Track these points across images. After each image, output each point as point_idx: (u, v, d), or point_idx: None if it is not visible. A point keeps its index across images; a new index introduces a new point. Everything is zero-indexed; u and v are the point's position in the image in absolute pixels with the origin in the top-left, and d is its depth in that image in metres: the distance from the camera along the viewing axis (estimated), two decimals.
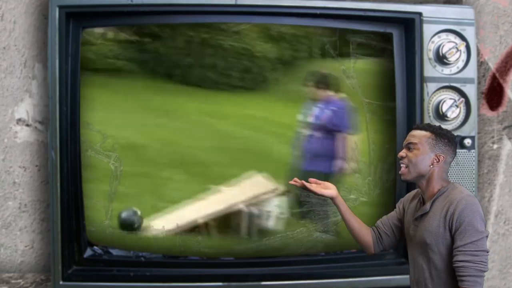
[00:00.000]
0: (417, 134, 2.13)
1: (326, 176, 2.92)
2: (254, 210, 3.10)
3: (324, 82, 3.08)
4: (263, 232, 3.09)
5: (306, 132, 3.11)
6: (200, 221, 3.07)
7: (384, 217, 2.31)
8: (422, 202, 2.16)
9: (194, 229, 3.06)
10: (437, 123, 2.88)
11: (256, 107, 3.22)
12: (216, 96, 3.10)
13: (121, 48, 3.04)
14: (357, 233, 2.28)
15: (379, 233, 2.27)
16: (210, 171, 3.14)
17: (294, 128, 3.16)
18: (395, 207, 2.31)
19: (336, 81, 3.07)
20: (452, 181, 2.16)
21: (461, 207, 2.00)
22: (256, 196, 3.12)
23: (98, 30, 2.99)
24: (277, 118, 3.25)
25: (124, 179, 2.91)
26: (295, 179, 2.23)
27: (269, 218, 3.11)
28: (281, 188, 3.13)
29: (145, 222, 3.01)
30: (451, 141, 2.12)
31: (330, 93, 3.10)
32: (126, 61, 3.03)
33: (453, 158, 2.15)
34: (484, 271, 1.99)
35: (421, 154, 2.10)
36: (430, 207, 2.09)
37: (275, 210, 3.11)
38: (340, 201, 2.25)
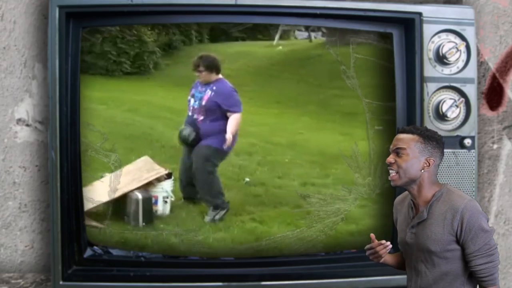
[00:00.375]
0: (405, 138, 2.08)
1: (216, 150, 3.11)
2: (146, 194, 3.05)
3: (214, 65, 3.13)
4: (160, 219, 3.07)
5: (197, 115, 3.14)
6: (90, 208, 3.00)
7: None
8: (414, 208, 2.13)
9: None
10: (437, 123, 2.89)
11: (145, 93, 3.21)
12: (107, 83, 3.08)
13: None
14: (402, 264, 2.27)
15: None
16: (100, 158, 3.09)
17: (182, 112, 3.19)
18: (393, 215, 2.29)
19: (219, 63, 3.14)
20: (442, 183, 2.14)
21: (468, 215, 2.00)
22: (144, 180, 3.07)
23: None
24: (165, 102, 3.26)
25: None
26: (372, 236, 2.18)
27: (165, 203, 3.09)
28: (166, 171, 3.10)
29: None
30: (439, 143, 2.10)
31: (217, 76, 3.14)
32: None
33: (441, 160, 2.12)
34: (499, 264, 2.05)
35: (411, 159, 2.06)
36: (428, 214, 2.07)
37: (168, 194, 3.09)
38: (388, 259, 2.23)
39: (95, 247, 2.93)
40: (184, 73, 3.22)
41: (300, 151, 3.20)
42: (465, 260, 2.04)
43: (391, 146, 2.12)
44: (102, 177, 3.01)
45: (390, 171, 2.09)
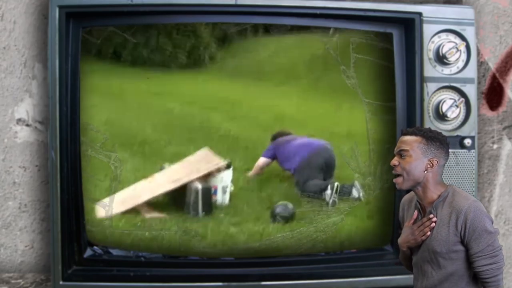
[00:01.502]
0: (408, 140, 2.10)
1: None
2: (205, 185, 3.08)
3: None
4: (219, 208, 3.09)
5: None
6: (150, 199, 3.04)
7: None
8: (421, 209, 2.15)
9: (144, 208, 3.03)
10: (437, 123, 2.89)
11: (201, 85, 3.23)
12: (163, 76, 3.11)
13: None
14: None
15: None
16: (160, 149, 3.13)
17: (237, 103, 3.23)
18: (399, 213, 2.29)
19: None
20: (448, 184, 2.15)
21: (471, 215, 2.01)
22: (203, 171, 3.09)
23: None
24: (221, 94, 3.26)
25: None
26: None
27: (225, 193, 3.10)
28: (225, 162, 3.12)
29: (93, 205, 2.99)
30: (443, 144, 2.10)
31: None
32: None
33: (446, 160, 2.13)
34: (503, 266, 2.05)
35: (414, 160, 2.07)
36: (434, 215, 2.09)
37: (227, 185, 3.11)
38: (408, 253, 2.22)
39: (95, 247, 2.93)
40: (239, 65, 3.22)
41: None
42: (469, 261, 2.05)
43: (395, 149, 2.14)
44: (161, 169, 3.07)
45: (394, 173, 2.12)
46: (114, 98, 3.09)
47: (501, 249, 2.04)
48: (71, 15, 2.75)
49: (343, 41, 2.99)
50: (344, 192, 3.06)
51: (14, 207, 3.09)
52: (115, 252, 2.96)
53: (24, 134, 3.06)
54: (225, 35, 3.14)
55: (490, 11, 3.12)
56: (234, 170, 3.14)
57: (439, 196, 2.10)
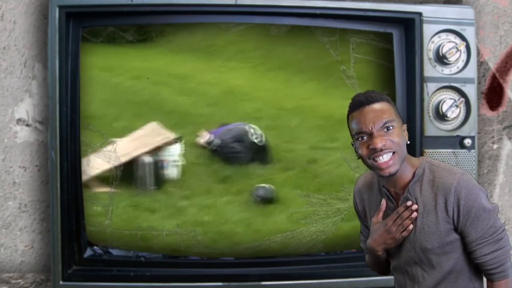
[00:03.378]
0: (383, 108, 1.64)
1: None
2: (155, 159, 3.05)
3: None
4: (169, 182, 3.06)
5: None
6: (99, 174, 2.99)
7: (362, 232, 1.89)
8: (390, 195, 1.71)
9: (93, 183, 2.99)
10: (437, 123, 2.89)
11: (149, 59, 3.19)
12: (111, 50, 3.06)
13: None
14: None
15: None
16: (108, 124, 3.08)
17: (187, 78, 3.18)
18: (354, 205, 1.87)
19: None
20: (417, 157, 1.72)
21: (464, 193, 1.62)
22: (152, 145, 3.07)
23: None
24: (170, 69, 3.23)
25: None
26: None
27: (174, 167, 3.09)
28: (174, 136, 3.10)
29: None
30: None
31: None
32: None
33: None
34: (510, 250, 1.66)
35: (400, 129, 1.66)
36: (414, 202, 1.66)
37: (177, 158, 3.08)
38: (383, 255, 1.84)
39: (95, 247, 2.93)
40: (188, 39, 3.18)
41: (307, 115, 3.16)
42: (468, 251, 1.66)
43: (369, 125, 1.62)
44: (111, 142, 3.00)
45: (385, 156, 1.64)
46: None
47: (504, 229, 1.66)
48: (71, 15, 2.75)
49: (343, 41, 2.99)
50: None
51: (14, 207, 3.09)
52: (115, 252, 2.95)
53: (24, 134, 3.06)
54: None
55: (490, 11, 3.12)
56: (183, 144, 3.11)
57: (414, 175, 1.66)
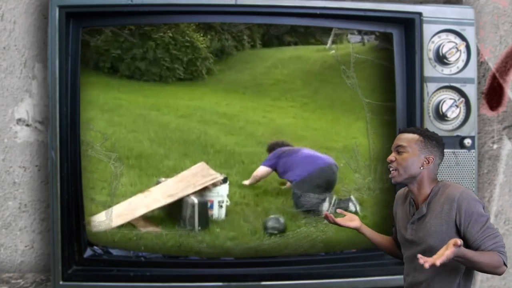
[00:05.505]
0: (406, 137, 2.17)
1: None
2: (201, 199, 3.07)
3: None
4: (215, 223, 3.08)
5: None
6: (146, 213, 3.05)
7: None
8: (415, 205, 2.19)
9: (140, 222, 3.04)
10: (437, 123, 2.89)
11: (198, 98, 3.23)
12: (160, 89, 3.11)
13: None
14: (387, 249, 2.38)
15: (396, 241, 2.32)
16: (156, 163, 3.13)
17: (234, 117, 3.22)
18: (393, 208, 2.33)
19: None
20: (440, 180, 2.19)
21: (465, 202, 2.04)
22: (199, 185, 3.09)
23: None
24: (218, 108, 3.27)
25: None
26: (326, 213, 2.33)
27: (221, 207, 3.10)
28: (221, 176, 3.12)
29: (90, 218, 2.99)
30: (439, 143, 2.17)
31: None
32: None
33: (441, 160, 2.19)
34: (504, 247, 2.05)
35: (411, 156, 2.14)
36: (427, 209, 2.12)
37: (224, 199, 3.10)
38: (364, 229, 2.36)
39: (95, 247, 2.93)
40: (236, 78, 3.23)
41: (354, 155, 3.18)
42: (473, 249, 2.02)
43: (392, 145, 2.19)
44: (157, 183, 3.07)
45: (390, 169, 2.17)
46: (111, 111, 3.09)
47: (498, 231, 2.05)
48: (71, 15, 2.75)
49: (343, 41, 2.99)
50: (341, 207, 3.05)
51: (14, 207, 3.09)
52: (115, 252, 2.96)
53: (24, 134, 3.06)
54: (223, 48, 3.15)
55: (490, 11, 3.12)
56: (230, 184, 3.14)
57: (431, 190, 2.14)
